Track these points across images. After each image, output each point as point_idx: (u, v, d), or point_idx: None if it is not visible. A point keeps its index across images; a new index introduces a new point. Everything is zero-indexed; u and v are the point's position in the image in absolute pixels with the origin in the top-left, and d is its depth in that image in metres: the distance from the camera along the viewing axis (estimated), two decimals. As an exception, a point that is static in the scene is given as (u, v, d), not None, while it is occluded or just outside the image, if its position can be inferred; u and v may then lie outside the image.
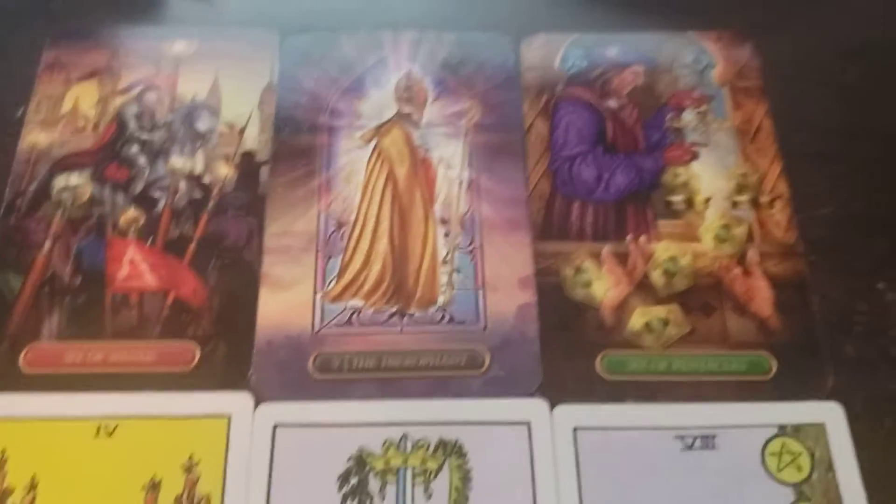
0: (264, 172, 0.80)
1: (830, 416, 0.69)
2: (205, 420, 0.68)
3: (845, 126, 0.85)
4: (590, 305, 0.74)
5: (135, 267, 0.75)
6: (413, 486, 0.66)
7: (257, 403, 0.68)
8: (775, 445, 0.67)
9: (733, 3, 0.92)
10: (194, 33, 0.88)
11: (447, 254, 0.76)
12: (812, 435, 0.68)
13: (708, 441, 0.68)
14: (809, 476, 0.66)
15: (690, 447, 0.67)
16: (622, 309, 0.74)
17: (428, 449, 0.67)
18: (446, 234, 0.77)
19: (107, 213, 0.78)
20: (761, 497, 0.66)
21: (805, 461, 0.67)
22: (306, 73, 0.86)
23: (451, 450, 0.67)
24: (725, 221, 0.78)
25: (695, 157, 0.81)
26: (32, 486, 0.65)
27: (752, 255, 0.76)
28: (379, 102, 0.84)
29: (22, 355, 0.71)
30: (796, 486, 0.66)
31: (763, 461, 0.67)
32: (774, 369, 0.71)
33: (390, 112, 0.84)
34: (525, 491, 0.65)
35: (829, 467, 0.67)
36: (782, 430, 0.68)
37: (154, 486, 0.65)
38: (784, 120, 0.84)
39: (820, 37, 0.91)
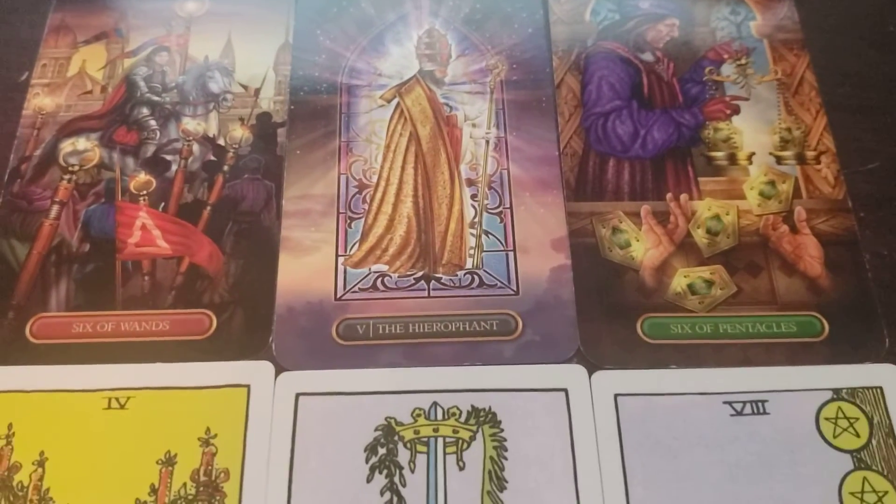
0: (281, 134, 0.76)
1: (889, 378, 0.65)
2: (222, 390, 0.64)
3: (889, 78, 0.80)
4: (629, 267, 0.70)
5: (146, 233, 0.71)
6: (445, 456, 0.62)
7: (278, 372, 0.65)
8: (830, 410, 0.63)
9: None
10: (206, -8, 0.84)
11: (475, 216, 0.72)
12: (869, 399, 0.64)
13: (758, 406, 0.64)
14: (868, 442, 0.62)
15: (740, 413, 0.63)
16: (663, 270, 0.69)
17: (459, 417, 0.63)
18: (474, 196, 0.73)
19: (116, 178, 0.74)
20: (817, 464, 0.62)
21: (863, 427, 0.63)
22: (323, 31, 0.82)
23: (484, 418, 0.63)
24: (770, 177, 0.73)
25: (735, 111, 0.77)
26: (41, 462, 0.62)
27: (800, 211, 0.72)
28: (399, 60, 0.80)
29: (29, 326, 0.67)
30: (854, 454, 0.62)
31: (818, 427, 0.63)
32: (827, 331, 0.67)
33: (412, 70, 0.80)
34: (564, 461, 0.62)
35: (890, 433, 0.63)
36: (837, 395, 0.64)
37: (169, 461, 0.62)
38: (826, 73, 0.80)
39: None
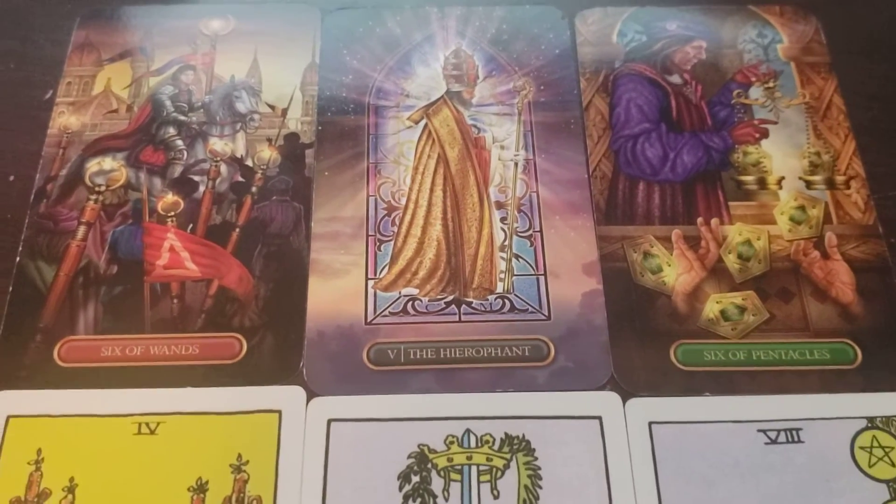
0: (309, 155, 0.76)
1: (924, 407, 0.65)
2: (254, 416, 0.64)
3: (917, 103, 0.80)
4: (661, 292, 0.69)
5: (175, 255, 0.71)
6: (479, 484, 0.61)
7: (310, 397, 0.64)
8: (865, 439, 0.63)
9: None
10: (231, 11, 0.84)
11: (505, 239, 0.72)
12: (904, 428, 0.64)
13: (793, 434, 0.63)
14: (904, 472, 0.62)
15: (774, 441, 0.63)
16: (695, 295, 0.69)
17: (493, 445, 0.63)
18: (503, 219, 0.73)
19: (143, 199, 0.73)
20: (852, 494, 0.61)
21: (899, 456, 0.63)
22: (349, 51, 0.81)
23: (518, 446, 0.63)
24: (800, 202, 0.73)
25: (764, 134, 0.77)
26: (71, 488, 0.61)
27: (830, 237, 0.71)
28: (427, 81, 0.80)
29: (56, 349, 0.67)
30: (890, 483, 0.62)
31: (853, 455, 0.63)
32: (860, 358, 0.66)
33: (439, 91, 0.79)
34: (599, 489, 0.61)
35: (926, 462, 0.62)
36: (872, 423, 0.64)
37: (201, 488, 0.61)
38: (854, 96, 0.80)
39: (884, 11, 0.86)
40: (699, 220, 0.72)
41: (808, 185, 0.74)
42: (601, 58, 0.81)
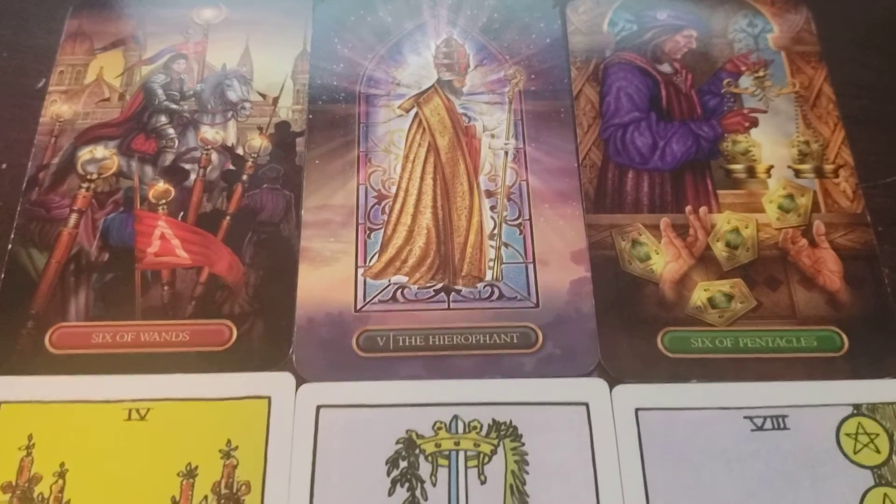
0: (300, 143, 0.76)
1: (909, 394, 0.65)
2: (243, 402, 0.64)
3: (907, 92, 0.80)
4: (648, 280, 0.70)
5: (165, 242, 0.71)
6: (466, 470, 0.62)
7: (299, 384, 0.65)
8: (851, 426, 0.63)
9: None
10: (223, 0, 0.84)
11: (494, 227, 0.72)
12: (889, 415, 0.64)
13: (779, 421, 0.64)
14: (889, 458, 0.62)
15: (760, 428, 0.63)
16: (683, 283, 0.69)
17: (481, 431, 0.63)
18: (493, 207, 0.73)
19: (134, 187, 0.74)
20: (837, 480, 0.62)
21: (883, 443, 0.63)
22: (341, 40, 0.82)
23: (505, 432, 0.63)
24: (789, 191, 0.73)
25: (754, 123, 0.77)
26: (61, 473, 0.62)
27: (819, 225, 0.72)
28: (418, 70, 0.80)
29: (48, 336, 0.67)
30: (875, 470, 0.62)
31: (838, 442, 0.63)
32: (846, 346, 0.67)
33: (430, 80, 0.79)
34: (586, 475, 0.62)
35: (910, 449, 0.63)
36: (857, 410, 0.64)
37: (190, 473, 0.62)
38: (844, 86, 0.80)
39: (875, 1, 0.86)
40: (688, 208, 0.73)
41: (797, 173, 0.75)
42: (592, 47, 0.81)
